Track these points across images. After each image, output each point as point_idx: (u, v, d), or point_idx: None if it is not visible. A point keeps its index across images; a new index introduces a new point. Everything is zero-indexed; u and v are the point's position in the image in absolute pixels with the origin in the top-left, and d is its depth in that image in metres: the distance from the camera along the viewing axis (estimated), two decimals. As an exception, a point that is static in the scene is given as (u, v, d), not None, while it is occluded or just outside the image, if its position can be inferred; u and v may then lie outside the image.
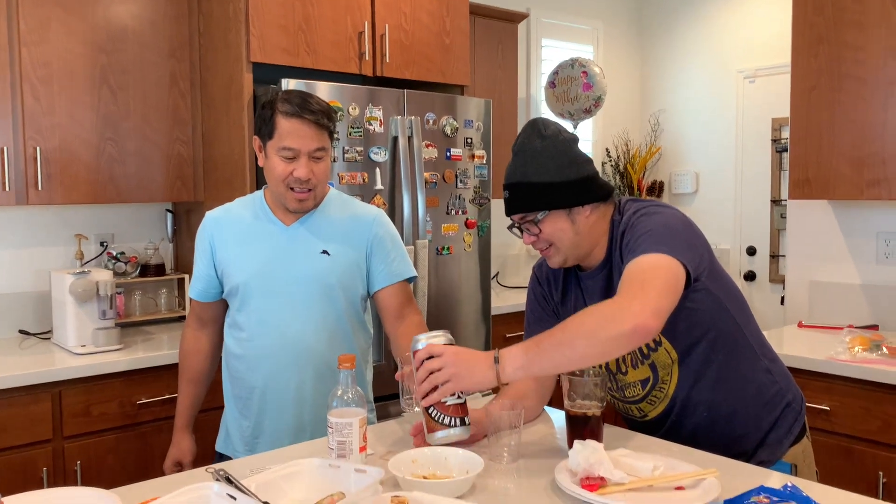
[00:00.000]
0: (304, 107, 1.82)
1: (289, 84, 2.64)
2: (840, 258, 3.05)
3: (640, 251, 1.48)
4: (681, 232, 1.53)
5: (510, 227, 1.67)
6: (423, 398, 1.45)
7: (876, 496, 2.35)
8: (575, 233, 1.59)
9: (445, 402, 1.44)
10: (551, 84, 4.37)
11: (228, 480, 1.25)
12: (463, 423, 1.45)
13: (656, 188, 4.90)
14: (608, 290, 1.63)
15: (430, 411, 1.45)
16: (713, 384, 1.63)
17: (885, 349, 2.42)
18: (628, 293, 1.42)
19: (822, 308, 3.09)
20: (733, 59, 4.59)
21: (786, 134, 4.45)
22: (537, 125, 1.63)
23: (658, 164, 4.96)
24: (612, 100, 4.69)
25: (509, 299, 3.81)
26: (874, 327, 2.87)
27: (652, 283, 1.42)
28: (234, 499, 1.17)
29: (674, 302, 1.44)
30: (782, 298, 4.00)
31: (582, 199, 1.58)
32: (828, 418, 2.47)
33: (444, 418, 1.44)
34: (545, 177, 1.57)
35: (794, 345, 2.73)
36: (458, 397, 1.45)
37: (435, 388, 1.44)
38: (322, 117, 1.84)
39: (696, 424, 1.66)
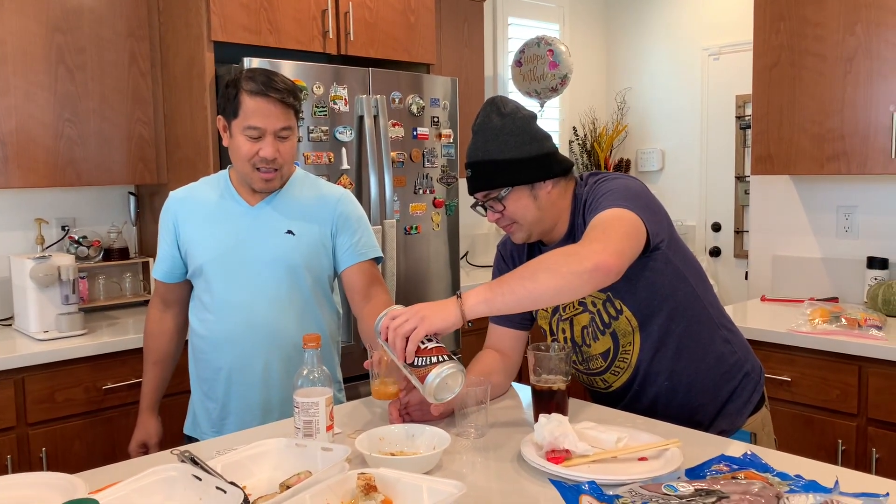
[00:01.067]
0: (270, 85, 1.80)
1: (251, 63, 2.61)
2: (801, 232, 3.10)
3: (602, 208, 1.51)
4: (642, 195, 1.57)
5: (474, 206, 1.68)
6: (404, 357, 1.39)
7: (835, 463, 2.41)
8: (538, 208, 1.61)
9: (424, 346, 1.39)
10: (517, 63, 4.36)
11: (194, 462, 1.25)
12: (451, 357, 1.39)
13: (623, 166, 4.93)
14: None
15: (415, 364, 1.39)
16: (674, 353, 1.66)
17: (843, 320, 2.48)
18: (590, 237, 1.45)
19: (784, 282, 3.15)
20: (698, 37, 4.62)
21: (749, 111, 4.49)
22: (496, 103, 1.64)
23: (625, 142, 4.98)
24: (578, 78, 4.69)
25: (479, 278, 3.83)
26: (834, 300, 2.93)
27: (613, 229, 1.46)
28: (200, 479, 1.17)
29: (635, 249, 1.47)
30: (746, 273, 4.06)
31: (543, 174, 1.60)
32: (789, 388, 2.52)
33: (430, 359, 1.38)
34: (506, 154, 1.57)
35: (757, 318, 2.78)
36: (435, 341, 1.40)
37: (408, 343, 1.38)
38: (288, 96, 1.82)
39: (657, 394, 1.69)
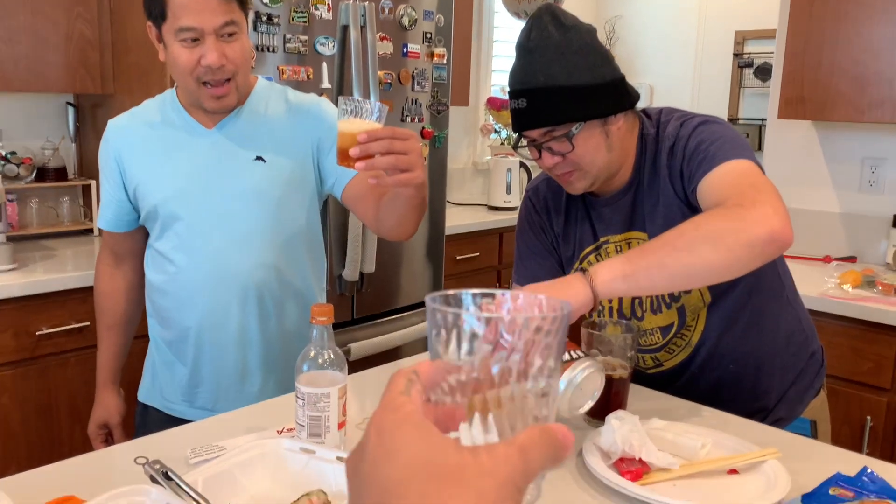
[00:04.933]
0: None
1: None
2: (820, 184, 2.86)
3: (721, 158, 1.20)
4: (748, 145, 1.26)
5: (517, 146, 1.34)
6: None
7: (860, 440, 2.23)
8: (608, 149, 1.29)
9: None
10: (508, -21, 3.95)
11: (167, 476, 0.93)
12: (583, 353, 1.20)
13: (609, 101, 4.63)
14: (633, 219, 1.35)
15: None
16: (743, 332, 1.41)
17: (879, 287, 2.26)
18: (743, 198, 1.12)
19: (796, 237, 2.91)
20: (700, -36, 4.27)
21: (749, 48, 4.22)
22: (554, 13, 1.28)
23: (612, 74, 4.66)
24: (566, 4, 4.31)
25: (457, 218, 3.50)
26: (852, 259, 2.72)
27: (764, 187, 1.14)
28: (179, 511, 0.85)
29: None
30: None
31: (618, 105, 1.27)
32: (814, 358, 2.31)
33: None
34: (576, 78, 1.23)
35: (774, 277, 2.54)
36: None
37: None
38: None
39: (720, 378, 1.44)
